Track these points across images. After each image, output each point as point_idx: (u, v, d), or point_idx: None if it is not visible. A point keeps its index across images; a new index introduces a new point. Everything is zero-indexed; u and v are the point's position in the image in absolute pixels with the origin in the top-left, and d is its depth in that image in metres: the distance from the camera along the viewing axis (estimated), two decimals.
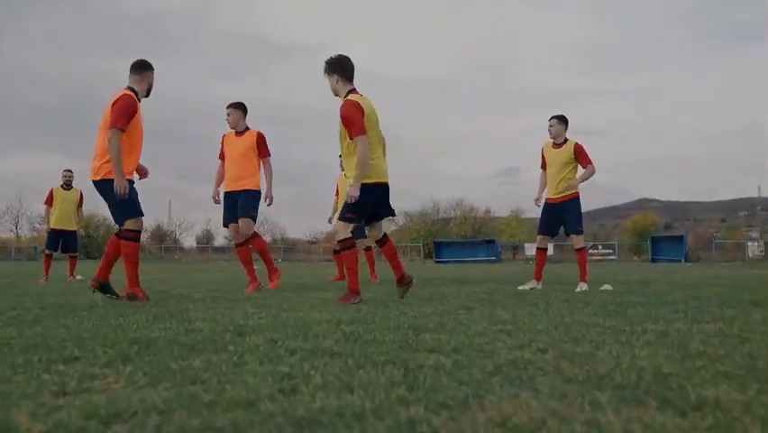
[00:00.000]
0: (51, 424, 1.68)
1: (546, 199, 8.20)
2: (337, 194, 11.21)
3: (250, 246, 7.75)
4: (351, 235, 5.94)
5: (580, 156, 7.89)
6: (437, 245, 46.69)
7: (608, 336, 3.27)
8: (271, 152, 7.69)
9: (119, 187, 5.72)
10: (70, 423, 1.68)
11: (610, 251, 46.78)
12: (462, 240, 51.99)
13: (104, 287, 6.01)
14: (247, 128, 7.69)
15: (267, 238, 74.69)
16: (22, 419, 1.71)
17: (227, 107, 7.72)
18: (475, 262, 39.79)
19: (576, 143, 7.94)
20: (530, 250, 47.53)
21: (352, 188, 5.69)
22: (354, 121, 5.64)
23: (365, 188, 5.76)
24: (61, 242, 11.86)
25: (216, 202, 7.73)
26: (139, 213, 6.00)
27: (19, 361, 2.50)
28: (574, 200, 8.00)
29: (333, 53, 5.87)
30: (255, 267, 7.84)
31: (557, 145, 8.04)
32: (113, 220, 6.12)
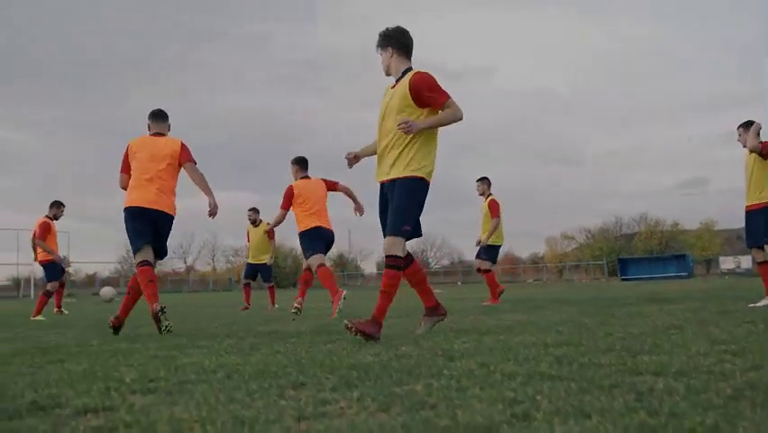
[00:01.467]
0: None
1: (745, 208, 7.72)
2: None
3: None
4: (404, 254, 4.82)
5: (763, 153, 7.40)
6: (622, 262, 44.76)
7: None
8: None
9: (215, 206, 6.26)
10: None
11: None
12: (649, 255, 49.59)
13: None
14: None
15: (444, 261, 75.22)
16: None
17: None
18: (664, 278, 37.75)
19: (763, 143, 7.42)
20: (725, 264, 44.53)
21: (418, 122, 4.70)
22: (438, 85, 4.81)
23: (427, 184, 4.91)
24: (259, 274, 12.94)
25: None
26: None
27: (253, 387, 2.66)
28: (762, 210, 7.46)
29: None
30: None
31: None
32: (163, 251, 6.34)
